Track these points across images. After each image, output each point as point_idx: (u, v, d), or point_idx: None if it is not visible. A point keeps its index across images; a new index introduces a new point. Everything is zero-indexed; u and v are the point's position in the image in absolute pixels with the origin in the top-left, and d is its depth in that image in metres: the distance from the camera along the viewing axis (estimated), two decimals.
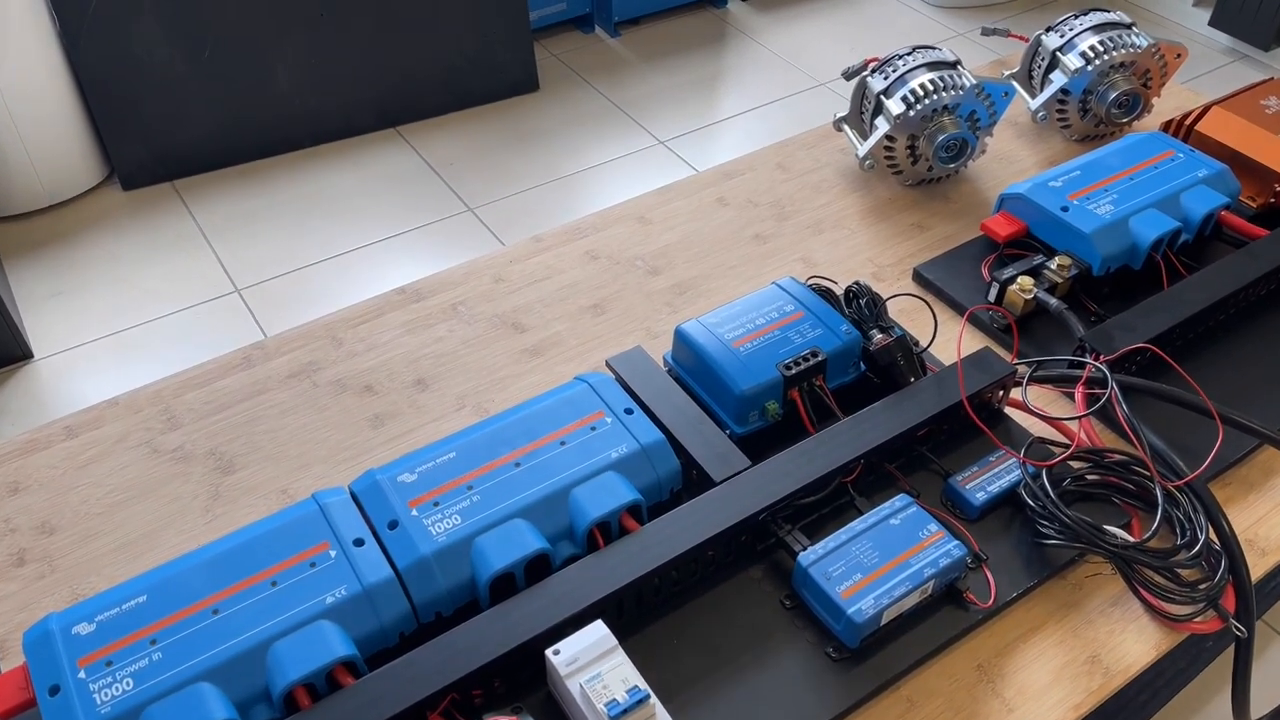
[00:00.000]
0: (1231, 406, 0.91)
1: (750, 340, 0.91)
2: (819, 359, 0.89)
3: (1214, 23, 3.15)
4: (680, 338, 0.93)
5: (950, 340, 1.03)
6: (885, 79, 1.24)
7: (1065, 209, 1.08)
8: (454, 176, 2.47)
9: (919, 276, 1.14)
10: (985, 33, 1.58)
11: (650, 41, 3.11)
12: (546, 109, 2.75)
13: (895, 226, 1.23)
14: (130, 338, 2.02)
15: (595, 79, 2.89)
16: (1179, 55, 1.33)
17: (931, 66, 1.23)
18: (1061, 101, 1.33)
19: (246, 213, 2.35)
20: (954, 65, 1.24)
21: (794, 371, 0.88)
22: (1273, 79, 1.31)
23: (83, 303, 2.10)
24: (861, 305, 0.97)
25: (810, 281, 1.02)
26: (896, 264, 1.18)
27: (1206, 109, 1.25)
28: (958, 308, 1.10)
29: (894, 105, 1.21)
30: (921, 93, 1.20)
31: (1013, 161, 1.35)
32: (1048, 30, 1.36)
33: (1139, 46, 1.29)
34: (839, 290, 1.01)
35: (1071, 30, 1.33)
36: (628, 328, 1.09)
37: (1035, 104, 1.34)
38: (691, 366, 0.93)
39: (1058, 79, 1.32)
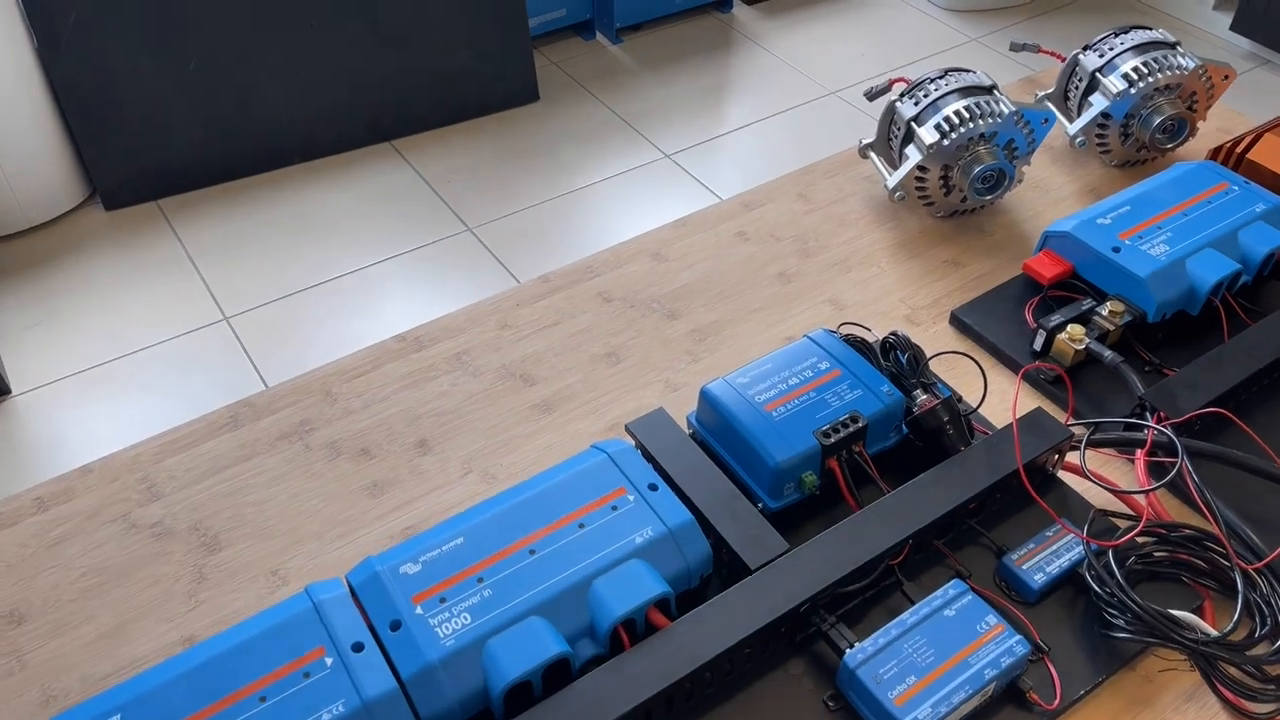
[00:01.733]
0: None
1: (784, 403, 0.85)
2: (859, 425, 0.83)
3: (1236, 27, 3.10)
4: (707, 400, 0.87)
5: (994, 394, 0.97)
6: (916, 105, 1.18)
7: (1117, 249, 1.01)
8: (452, 194, 2.40)
9: (956, 320, 1.08)
10: (1014, 48, 1.51)
11: (653, 48, 3.05)
12: (547, 121, 2.69)
13: (928, 263, 1.17)
14: (113, 370, 1.96)
15: (597, 88, 2.83)
16: (1226, 77, 1.27)
17: (965, 92, 1.17)
18: (1102, 126, 1.27)
19: (235, 234, 2.28)
20: (990, 90, 1.18)
21: (833, 440, 0.82)
22: None
23: (63, 333, 2.04)
24: (901, 360, 0.91)
25: (843, 330, 0.96)
26: (931, 305, 1.11)
27: (1259, 135, 1.18)
28: (999, 355, 1.04)
29: (927, 134, 1.15)
30: (956, 120, 1.13)
31: (1049, 190, 1.29)
32: (1085, 49, 1.30)
33: (1185, 68, 1.23)
34: (874, 337, 0.95)
35: (1112, 50, 1.27)
36: (646, 379, 1.03)
37: (1074, 128, 1.27)
38: (719, 432, 0.86)
39: (1098, 102, 1.25)
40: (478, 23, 2.57)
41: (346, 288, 2.14)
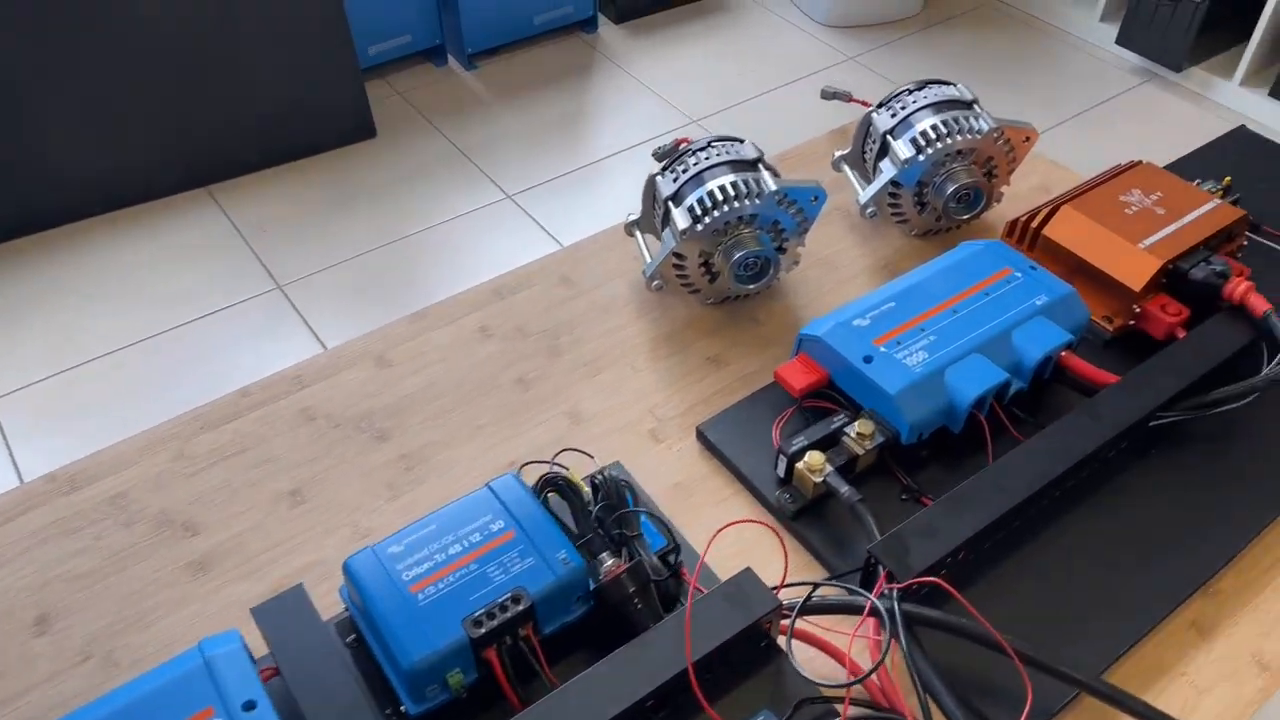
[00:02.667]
0: (1063, 621, 0.77)
1: (436, 580, 0.73)
2: (521, 608, 0.72)
3: (1121, 41, 3.06)
4: (349, 577, 0.75)
5: (735, 533, 0.86)
6: (675, 180, 1.08)
7: (869, 359, 0.91)
8: (265, 246, 2.26)
9: (702, 437, 0.97)
10: (825, 96, 1.43)
11: (509, 74, 2.94)
12: (382, 158, 2.56)
13: (688, 362, 1.06)
14: None
15: (442, 121, 2.70)
16: (1028, 139, 1.18)
17: (733, 166, 1.06)
18: (894, 195, 1.17)
19: (17, 299, 2.12)
20: (754, 164, 1.07)
21: (485, 629, 0.70)
22: (1140, 164, 1.17)
23: None
24: (598, 507, 0.80)
25: (562, 456, 0.85)
26: (683, 414, 1.01)
27: (1055, 208, 1.10)
28: (744, 482, 0.93)
29: (680, 218, 1.04)
30: (710, 203, 1.03)
31: (839, 266, 1.19)
32: (879, 106, 1.21)
33: (980, 131, 1.13)
34: (596, 465, 0.84)
35: (905, 109, 1.17)
36: (332, 523, 0.91)
37: (864, 197, 1.18)
38: (365, 616, 0.74)
39: (887, 169, 1.16)
40: (301, 53, 2.43)
41: (131, 361, 1.97)
